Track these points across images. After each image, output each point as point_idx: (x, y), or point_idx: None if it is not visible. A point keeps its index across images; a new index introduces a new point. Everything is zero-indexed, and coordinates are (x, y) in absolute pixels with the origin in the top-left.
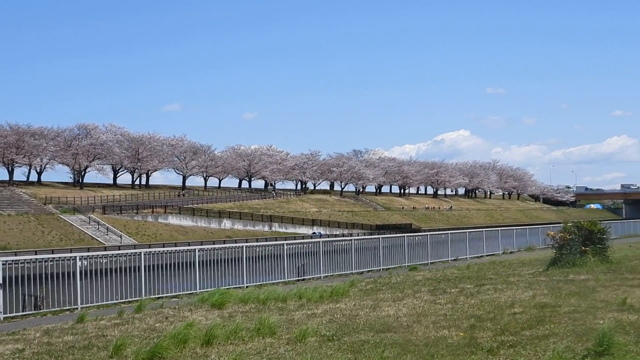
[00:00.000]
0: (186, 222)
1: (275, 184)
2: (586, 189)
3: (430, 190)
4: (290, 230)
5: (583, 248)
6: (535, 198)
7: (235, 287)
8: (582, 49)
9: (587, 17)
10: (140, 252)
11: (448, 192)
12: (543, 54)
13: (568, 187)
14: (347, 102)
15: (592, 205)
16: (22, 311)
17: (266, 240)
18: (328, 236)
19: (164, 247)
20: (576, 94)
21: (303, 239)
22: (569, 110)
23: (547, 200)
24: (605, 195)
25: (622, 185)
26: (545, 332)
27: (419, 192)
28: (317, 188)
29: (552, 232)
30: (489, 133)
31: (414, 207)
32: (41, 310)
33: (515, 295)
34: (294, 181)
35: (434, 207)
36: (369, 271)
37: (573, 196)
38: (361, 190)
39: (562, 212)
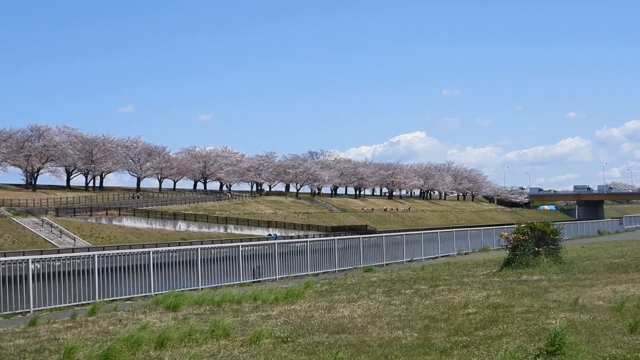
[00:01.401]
0: (141, 224)
1: (230, 185)
2: (540, 190)
3: (385, 192)
4: (246, 232)
5: (536, 249)
6: (490, 199)
7: (190, 290)
8: (536, 50)
9: (541, 17)
10: (94, 255)
11: (403, 193)
12: (498, 55)
13: (522, 189)
14: (303, 103)
15: (546, 207)
16: None
17: (221, 242)
18: (283, 238)
19: (118, 249)
20: (531, 95)
21: (258, 240)
22: (523, 111)
23: (501, 202)
24: (558, 196)
25: (575, 187)
26: (498, 332)
27: (375, 193)
28: (272, 190)
29: (506, 233)
30: (444, 134)
31: (372, 209)
32: None
33: (469, 296)
34: (250, 183)
35: (392, 209)
36: (324, 273)
37: (527, 197)
38: (317, 191)
39: (516, 213)
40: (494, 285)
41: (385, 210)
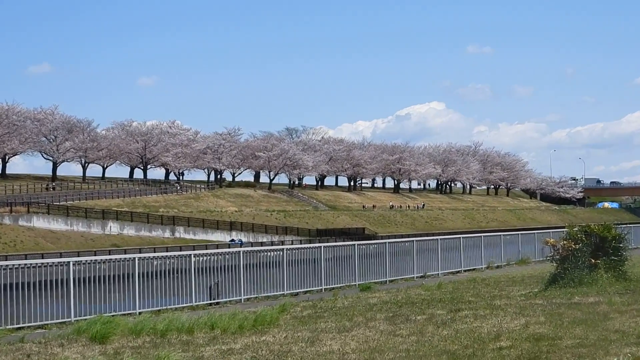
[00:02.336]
0: (57, 225)
1: (181, 173)
2: (598, 182)
3: (389, 183)
4: (200, 236)
5: (593, 261)
6: (530, 194)
7: (124, 314)
8: None
9: None
10: None
11: (414, 185)
12: (543, 4)
13: (574, 180)
14: (279, 68)
15: (606, 204)
16: None
17: (167, 250)
18: (251, 245)
19: (25, 259)
20: (587, 55)
21: (217, 248)
22: (576, 76)
23: (545, 197)
24: (623, 190)
25: None
26: None
27: (375, 185)
28: (237, 179)
29: (552, 240)
30: (470, 106)
31: (373, 206)
32: None
33: (501, 325)
34: (206, 170)
35: (399, 206)
36: (306, 292)
37: (580, 191)
38: (297, 182)
39: (565, 212)
40: (536, 309)
41: (392, 207)
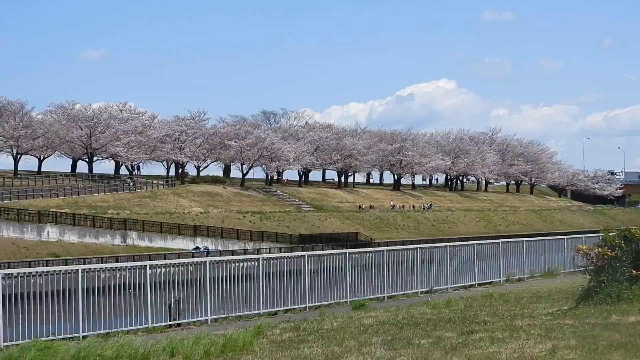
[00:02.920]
0: None
1: (134, 167)
2: None
3: (388, 179)
4: (158, 243)
5: (634, 272)
6: (559, 191)
7: (65, 338)
8: None
9: None
10: None
11: (418, 181)
12: None
13: (612, 174)
14: (253, 39)
15: None
16: None
17: (117, 260)
18: (220, 254)
19: None
20: (628, 23)
21: (179, 258)
22: (615, 48)
23: (578, 195)
24: None
25: None
26: None
27: (371, 181)
28: (202, 174)
29: (585, 247)
30: (486, 85)
31: (370, 206)
32: None
33: (524, 350)
34: (165, 162)
35: (401, 206)
36: (287, 311)
37: (620, 188)
38: (276, 177)
39: (601, 213)
40: (565, 331)
41: (393, 207)
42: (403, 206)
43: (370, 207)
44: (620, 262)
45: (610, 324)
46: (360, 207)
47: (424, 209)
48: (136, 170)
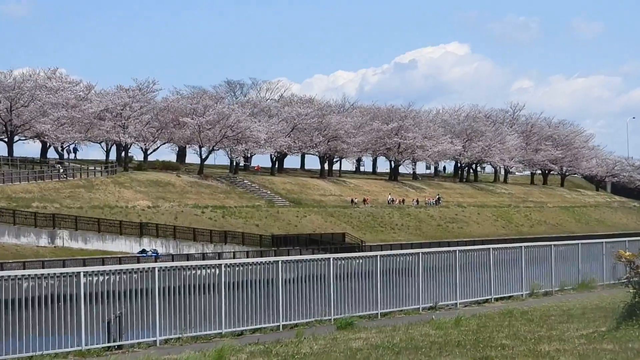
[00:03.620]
0: None
1: (65, 149)
2: None
3: (384, 165)
4: (95, 245)
5: None
6: (597, 183)
7: None
8: None
9: None
10: None
11: (420, 169)
12: None
13: None
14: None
15: None
16: None
17: (43, 265)
18: (172, 259)
19: None
20: None
21: (121, 263)
22: None
23: (620, 188)
24: None
25: None
26: None
27: (362, 168)
28: (151, 159)
29: (629, 254)
30: (506, 51)
31: (364, 200)
32: None
33: None
34: (104, 144)
35: (400, 201)
36: (255, 330)
37: None
38: (243, 163)
39: None
40: (603, 358)
41: (391, 202)
42: (403, 201)
43: (364, 201)
44: None
45: None
46: (352, 201)
47: (430, 204)
48: (71, 154)
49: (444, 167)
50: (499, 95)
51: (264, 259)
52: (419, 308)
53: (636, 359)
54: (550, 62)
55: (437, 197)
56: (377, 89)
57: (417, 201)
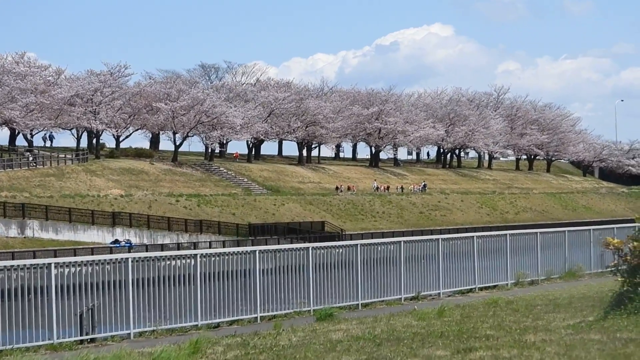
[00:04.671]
0: None
1: (46, 137)
2: None
3: (364, 151)
4: (66, 235)
5: None
6: (585, 168)
7: None
8: None
9: None
10: None
11: (402, 155)
12: None
13: None
14: None
15: None
16: None
17: (13, 257)
18: (147, 250)
19: None
20: None
21: (93, 254)
22: None
23: (608, 174)
24: None
25: None
26: None
27: (341, 154)
28: (123, 146)
29: (617, 241)
30: (491, 32)
31: (348, 187)
32: None
33: None
34: (75, 131)
35: (387, 188)
36: (232, 322)
37: None
38: (219, 150)
39: (638, 197)
40: (590, 349)
41: (377, 190)
42: (388, 188)
43: (349, 188)
44: None
45: None
46: (337, 188)
47: (416, 191)
48: (47, 142)
49: (428, 153)
50: (484, 78)
51: (240, 249)
52: (401, 298)
53: (625, 349)
54: (537, 43)
55: (423, 184)
56: (358, 72)
57: (402, 188)
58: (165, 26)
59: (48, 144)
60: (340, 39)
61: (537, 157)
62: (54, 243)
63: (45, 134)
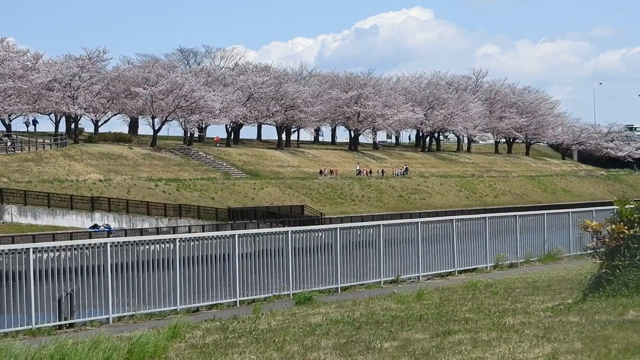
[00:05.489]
0: None
1: (27, 121)
2: None
3: (343, 135)
4: (45, 220)
5: None
6: (564, 151)
7: None
8: None
9: None
10: None
11: (381, 138)
12: None
13: (631, 129)
14: None
15: None
16: None
17: None
18: (125, 234)
19: None
20: None
21: (72, 239)
22: None
23: (587, 157)
24: None
25: None
26: None
27: (320, 139)
28: (102, 131)
29: (595, 223)
30: (470, 15)
31: (330, 171)
32: None
33: (515, 355)
34: (53, 116)
35: (369, 172)
36: (211, 306)
37: None
38: (197, 135)
39: (617, 179)
40: (569, 331)
41: (359, 173)
42: (370, 171)
43: (331, 172)
44: (638, 244)
45: (626, 321)
46: (320, 172)
47: (397, 174)
48: (30, 126)
49: (409, 137)
50: (463, 61)
51: (219, 233)
52: (380, 282)
53: (603, 331)
54: (516, 26)
55: (405, 167)
56: (337, 55)
57: (383, 172)
58: (144, 11)
59: (31, 128)
60: (320, 22)
61: (516, 141)
62: (32, 228)
63: (27, 119)
